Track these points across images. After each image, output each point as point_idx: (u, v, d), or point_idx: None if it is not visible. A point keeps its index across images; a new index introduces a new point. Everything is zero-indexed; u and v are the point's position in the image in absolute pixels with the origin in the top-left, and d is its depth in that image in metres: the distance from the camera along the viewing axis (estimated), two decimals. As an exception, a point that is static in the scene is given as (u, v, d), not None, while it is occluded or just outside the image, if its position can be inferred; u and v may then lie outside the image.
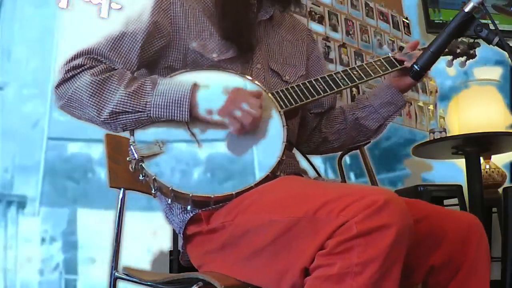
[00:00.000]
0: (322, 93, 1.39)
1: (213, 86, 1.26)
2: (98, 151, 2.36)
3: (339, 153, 2.50)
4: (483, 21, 1.27)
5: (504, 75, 3.96)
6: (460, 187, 2.98)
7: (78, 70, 1.25)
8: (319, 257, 1.00)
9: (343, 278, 0.96)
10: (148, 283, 1.39)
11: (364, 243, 0.96)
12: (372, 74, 1.46)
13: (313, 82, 1.40)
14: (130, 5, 2.66)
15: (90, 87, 1.22)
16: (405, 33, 3.85)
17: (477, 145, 2.87)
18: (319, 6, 3.25)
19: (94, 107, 1.23)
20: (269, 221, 1.11)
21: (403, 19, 3.88)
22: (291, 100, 1.35)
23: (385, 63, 1.48)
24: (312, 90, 1.38)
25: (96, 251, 2.31)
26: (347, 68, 1.45)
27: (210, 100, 1.24)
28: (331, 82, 1.41)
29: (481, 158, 3.05)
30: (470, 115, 3.34)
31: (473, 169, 2.87)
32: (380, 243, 0.96)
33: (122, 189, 1.57)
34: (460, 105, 3.43)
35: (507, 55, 1.19)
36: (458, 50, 1.59)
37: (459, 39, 1.58)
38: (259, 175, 1.23)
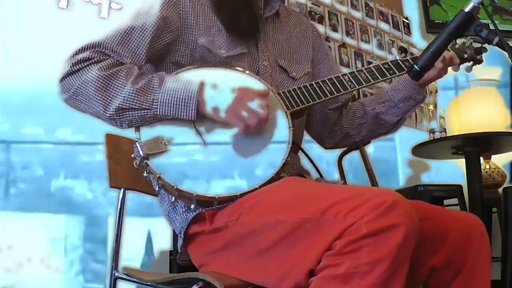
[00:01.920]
0: (329, 95, 1.40)
1: (220, 85, 1.26)
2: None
3: (339, 153, 2.50)
4: (483, 21, 1.27)
5: (504, 75, 3.96)
6: (460, 187, 2.97)
7: (85, 64, 1.23)
8: (326, 258, 1.01)
9: (351, 278, 0.97)
10: (148, 283, 1.39)
11: (373, 243, 0.97)
12: (380, 77, 1.47)
13: (320, 83, 1.41)
14: (130, 5, 2.66)
15: (97, 82, 1.21)
16: (405, 33, 3.85)
17: (477, 145, 2.87)
18: (319, 6, 3.25)
19: (100, 102, 1.21)
20: (275, 222, 1.11)
21: (403, 19, 3.87)
22: (298, 101, 1.35)
23: (392, 67, 1.49)
24: (319, 92, 1.39)
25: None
26: (355, 71, 1.46)
27: (217, 99, 1.24)
28: (338, 84, 1.42)
29: (481, 158, 3.04)
30: (470, 115, 3.34)
31: (473, 169, 2.87)
32: (389, 243, 0.97)
33: (122, 189, 1.57)
34: (460, 105, 3.43)
35: (507, 55, 1.19)
36: (466, 55, 1.60)
37: (467, 44, 1.61)
38: (264, 176, 1.23)
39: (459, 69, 1.62)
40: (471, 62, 1.63)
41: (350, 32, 3.42)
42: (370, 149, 2.60)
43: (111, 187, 1.57)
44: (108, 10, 2.63)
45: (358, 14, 3.52)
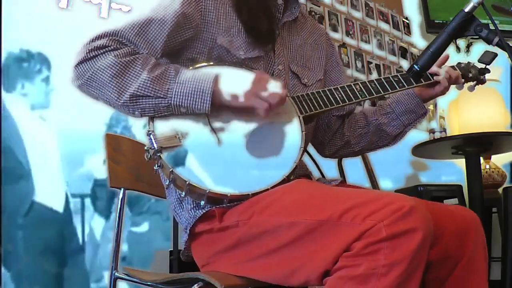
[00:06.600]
0: (340, 103, 1.43)
1: (236, 75, 1.27)
2: None
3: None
4: (483, 21, 1.27)
5: (504, 75, 3.96)
6: (460, 187, 2.98)
7: (101, 51, 1.23)
8: (344, 259, 1.02)
9: (368, 279, 0.99)
10: (148, 283, 1.39)
11: (391, 246, 0.99)
12: (389, 89, 1.50)
13: (333, 90, 1.44)
14: (130, 6, 2.66)
15: (113, 68, 1.20)
16: (405, 33, 3.85)
17: (477, 145, 2.87)
18: (319, 6, 3.25)
19: (114, 88, 1.21)
20: (289, 223, 1.12)
21: (403, 19, 3.88)
22: (311, 107, 1.38)
23: (402, 80, 1.52)
24: (331, 99, 1.42)
25: None
26: (366, 81, 1.50)
27: (234, 86, 1.24)
28: (350, 93, 1.45)
29: (481, 158, 3.05)
30: (470, 115, 3.34)
31: (473, 169, 2.87)
32: (407, 246, 0.99)
33: (122, 189, 1.57)
34: (460, 105, 3.43)
35: (507, 55, 1.19)
36: (470, 75, 1.67)
37: (472, 64, 1.68)
38: (275, 177, 1.24)
39: (463, 87, 1.68)
40: (475, 82, 1.70)
41: (350, 32, 3.42)
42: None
43: (111, 187, 1.57)
44: (108, 10, 2.63)
45: (358, 14, 3.52)
